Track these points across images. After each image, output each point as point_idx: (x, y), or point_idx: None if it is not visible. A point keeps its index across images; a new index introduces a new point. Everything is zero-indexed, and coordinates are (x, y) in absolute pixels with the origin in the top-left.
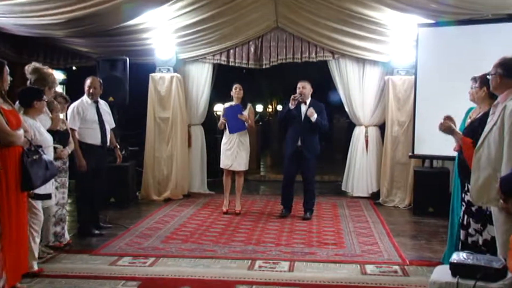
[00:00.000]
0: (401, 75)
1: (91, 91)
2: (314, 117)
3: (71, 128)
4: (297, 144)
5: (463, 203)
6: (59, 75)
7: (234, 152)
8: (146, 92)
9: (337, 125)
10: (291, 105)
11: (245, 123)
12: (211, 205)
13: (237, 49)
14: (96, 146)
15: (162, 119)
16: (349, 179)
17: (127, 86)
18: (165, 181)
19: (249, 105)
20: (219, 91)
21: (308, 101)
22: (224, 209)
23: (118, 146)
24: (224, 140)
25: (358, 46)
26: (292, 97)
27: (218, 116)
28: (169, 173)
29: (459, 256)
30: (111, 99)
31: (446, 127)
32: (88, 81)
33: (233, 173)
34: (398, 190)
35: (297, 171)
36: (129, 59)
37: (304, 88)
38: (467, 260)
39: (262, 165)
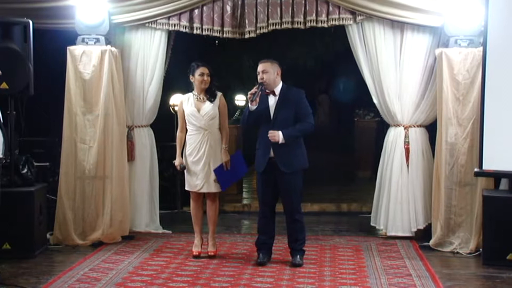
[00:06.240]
0: (461, 46)
1: None
2: (280, 138)
3: None
4: (268, 156)
5: None
6: None
7: (204, 166)
8: (62, 75)
9: (359, 125)
10: (251, 105)
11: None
12: (166, 251)
13: (205, 8)
14: None
15: (87, 118)
16: (380, 209)
17: (31, 66)
18: (94, 216)
19: (219, 95)
20: (178, 74)
21: (278, 89)
22: (195, 251)
23: None
24: (187, 148)
25: (394, 2)
26: (249, 94)
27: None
28: (100, 203)
29: None
30: (3, 86)
31: None
32: None
33: (204, 197)
34: (458, 227)
35: (276, 196)
36: (34, 23)
37: (266, 72)
38: None
39: (246, 189)
